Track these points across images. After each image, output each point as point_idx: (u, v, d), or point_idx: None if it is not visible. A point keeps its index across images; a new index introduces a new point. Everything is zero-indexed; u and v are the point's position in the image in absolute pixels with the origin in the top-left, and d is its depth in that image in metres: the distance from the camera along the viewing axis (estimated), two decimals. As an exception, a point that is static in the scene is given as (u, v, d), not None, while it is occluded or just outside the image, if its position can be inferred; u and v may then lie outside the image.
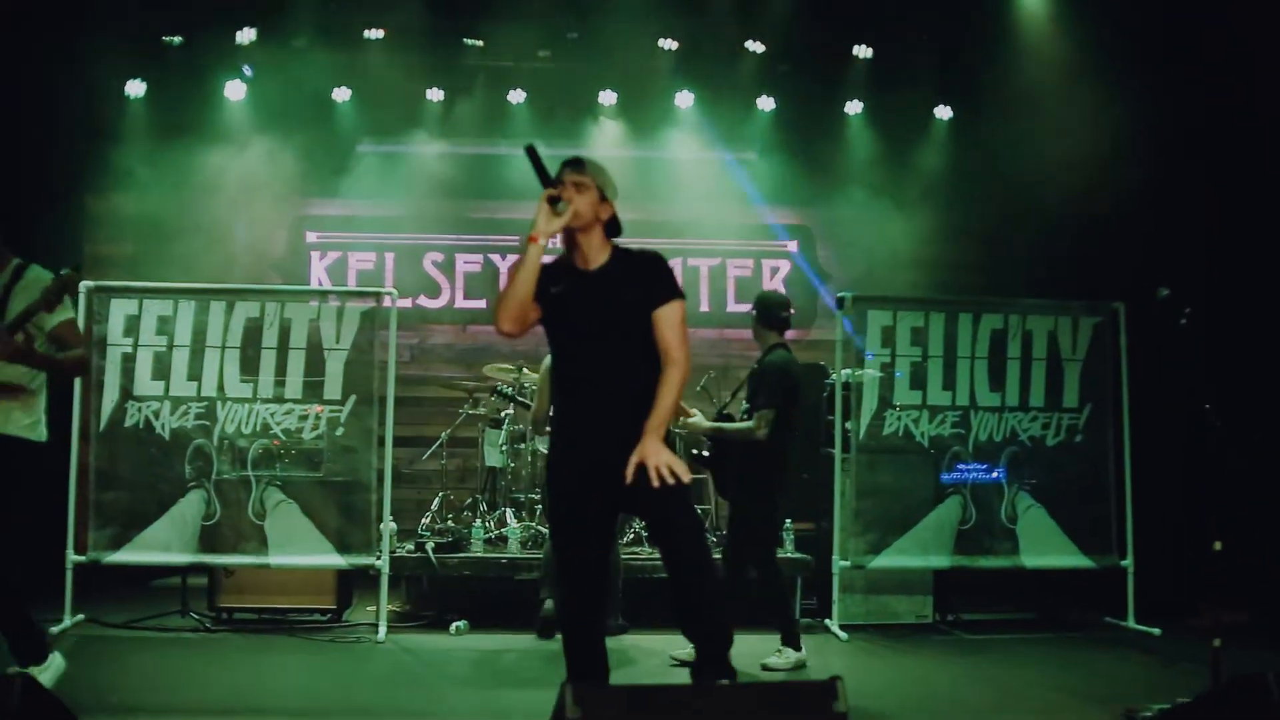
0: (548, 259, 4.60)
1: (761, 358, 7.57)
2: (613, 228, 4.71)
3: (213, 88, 11.38)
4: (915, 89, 11.67)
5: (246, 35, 10.70)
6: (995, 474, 8.94)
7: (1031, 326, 9.00)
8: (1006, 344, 8.97)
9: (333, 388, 8.49)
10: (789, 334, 7.77)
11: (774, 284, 12.30)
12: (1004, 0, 10.42)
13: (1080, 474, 9.04)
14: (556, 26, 11.17)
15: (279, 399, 8.47)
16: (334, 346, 8.50)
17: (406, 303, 11.86)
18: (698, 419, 7.52)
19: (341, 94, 11.67)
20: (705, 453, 7.96)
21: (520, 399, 9.85)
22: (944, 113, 12.03)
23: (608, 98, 11.85)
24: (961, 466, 8.93)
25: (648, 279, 4.63)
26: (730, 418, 7.61)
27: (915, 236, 11.89)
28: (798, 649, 7.34)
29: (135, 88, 11.28)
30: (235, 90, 11.42)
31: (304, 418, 8.48)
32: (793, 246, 12.38)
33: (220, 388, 8.44)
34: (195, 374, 8.45)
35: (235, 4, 10.45)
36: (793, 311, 7.81)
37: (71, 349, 5.72)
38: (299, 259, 12.00)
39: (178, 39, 10.69)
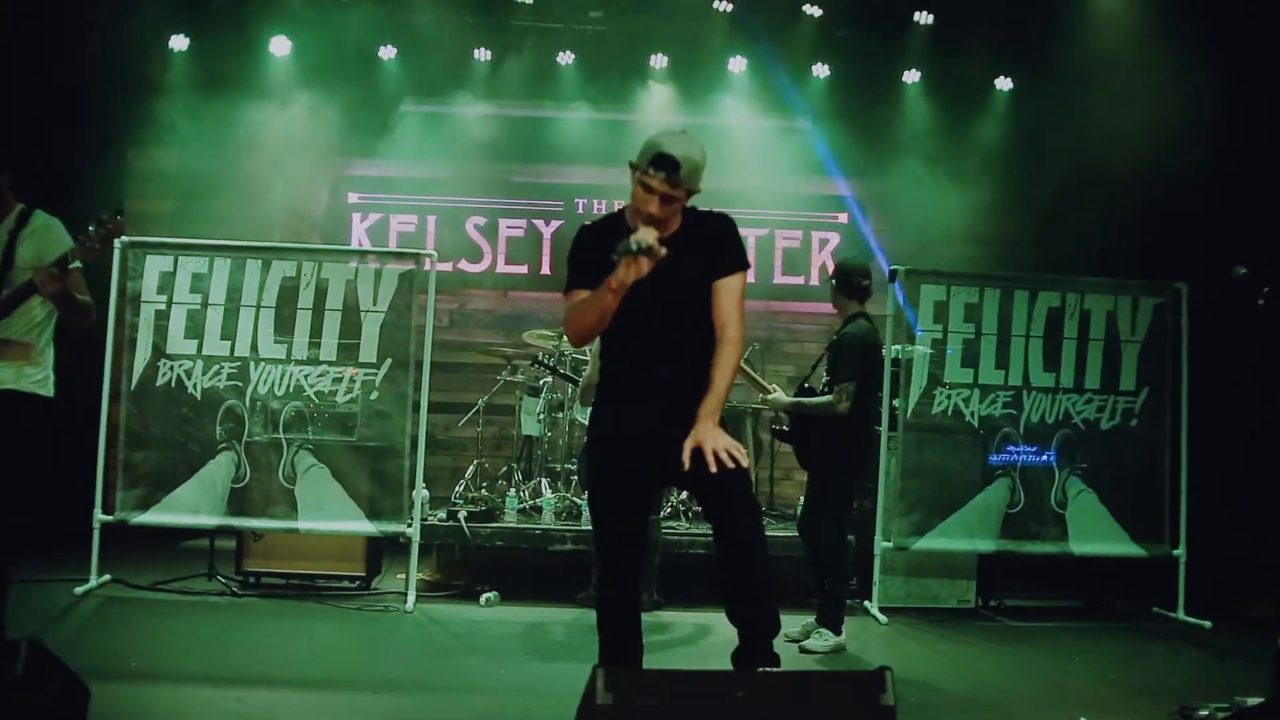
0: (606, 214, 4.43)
1: (840, 328, 7.36)
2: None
3: (257, 42, 11.23)
4: (976, 58, 11.33)
5: (288, -12, 10.45)
6: (1046, 457, 8.66)
7: (1090, 306, 8.69)
8: (1063, 323, 8.66)
9: (368, 350, 8.30)
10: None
11: (823, 256, 12.04)
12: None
13: (1134, 459, 8.74)
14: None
15: (313, 360, 8.30)
16: (371, 309, 8.31)
17: (447, 266, 11.75)
18: (777, 394, 7.38)
19: (387, 52, 11.45)
20: (785, 427, 7.78)
21: (561, 370, 9.63)
22: (1004, 84, 11.70)
23: (659, 61, 11.59)
24: (1011, 448, 8.66)
25: (715, 246, 4.41)
26: (811, 391, 7.43)
27: (971, 210, 11.53)
28: (838, 633, 7.12)
29: (179, 41, 11.15)
30: (280, 46, 11.24)
31: (338, 380, 8.29)
32: (843, 218, 12.09)
33: (254, 348, 8.28)
34: (229, 333, 8.29)
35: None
36: (871, 280, 7.55)
37: (82, 298, 5.53)
38: (339, 220, 11.82)
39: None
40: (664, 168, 4.24)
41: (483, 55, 11.51)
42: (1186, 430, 8.76)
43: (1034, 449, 8.64)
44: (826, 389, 7.24)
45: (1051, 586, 9.28)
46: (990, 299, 8.63)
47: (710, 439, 4.14)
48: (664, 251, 4.11)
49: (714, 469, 4.09)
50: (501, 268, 12.06)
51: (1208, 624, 8.38)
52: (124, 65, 10.67)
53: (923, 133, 11.70)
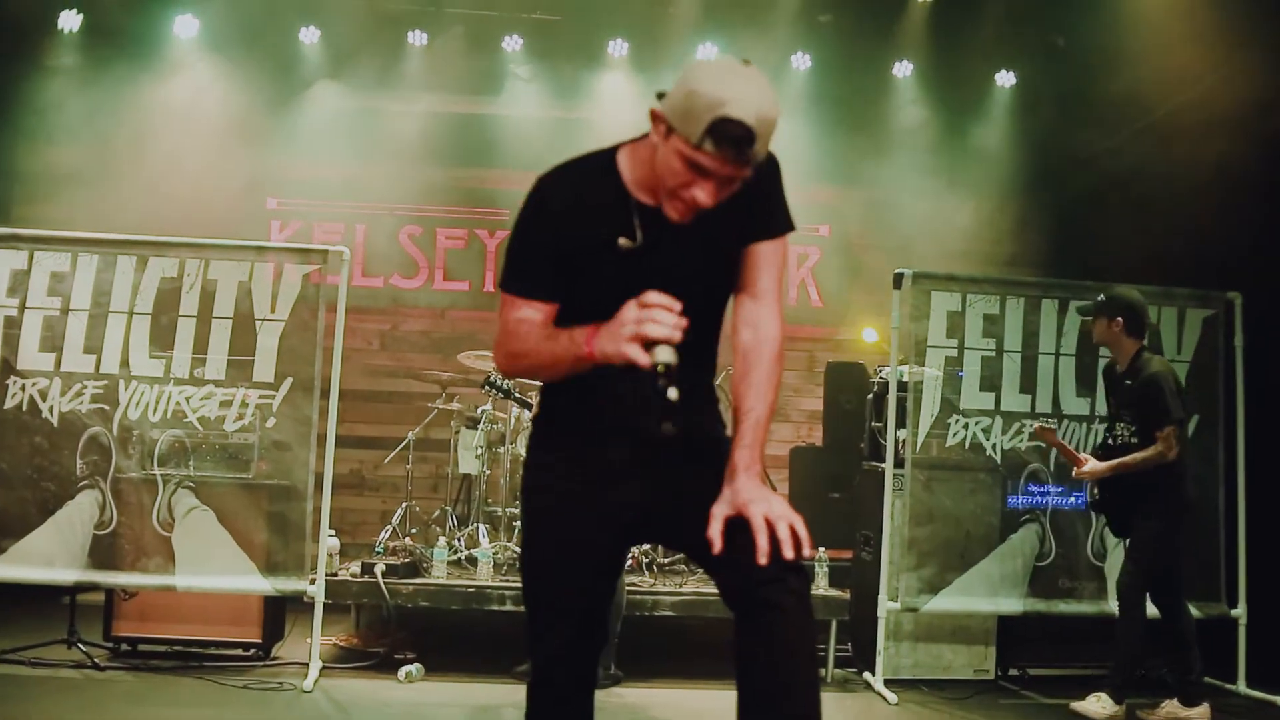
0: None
1: (1130, 366, 6.58)
2: None
3: (159, 21, 9.89)
4: (977, 47, 10.10)
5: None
6: (1080, 499, 7.30)
7: None
8: None
9: (264, 368, 6.89)
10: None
11: (802, 273, 10.73)
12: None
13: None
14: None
15: (197, 380, 6.88)
16: (268, 317, 6.92)
17: (378, 282, 10.53)
18: (1093, 464, 6.57)
19: (308, 34, 10.07)
20: (1095, 494, 6.74)
21: (518, 395, 8.23)
22: (1006, 78, 10.46)
23: (618, 49, 10.25)
24: (1038, 488, 7.32)
25: (749, 196, 2.84)
26: (1115, 449, 6.58)
27: (975, 219, 10.36)
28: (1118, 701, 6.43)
29: (71, 19, 9.78)
30: (185, 26, 9.85)
31: (227, 404, 6.87)
32: (824, 230, 10.80)
33: (124, 364, 6.85)
34: (94, 346, 6.85)
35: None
36: None
37: None
38: (256, 228, 10.32)
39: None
40: (732, 143, 2.64)
41: (417, 40, 10.13)
42: (1244, 466, 7.52)
43: (1066, 489, 7.32)
44: (1135, 439, 6.46)
45: (1084, 651, 7.82)
46: (1013, 309, 7.36)
47: (758, 506, 2.64)
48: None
49: (764, 559, 2.59)
50: (439, 284, 10.69)
51: (1278, 699, 7.08)
52: (5, 45, 9.33)
53: (917, 132, 10.44)
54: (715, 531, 2.65)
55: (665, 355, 2.60)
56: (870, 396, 7.98)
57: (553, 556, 3.04)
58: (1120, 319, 6.52)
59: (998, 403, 7.29)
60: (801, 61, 10.30)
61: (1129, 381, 6.53)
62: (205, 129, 10.01)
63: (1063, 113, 10.00)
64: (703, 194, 2.72)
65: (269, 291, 6.92)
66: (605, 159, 2.93)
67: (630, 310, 2.65)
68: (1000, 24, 9.88)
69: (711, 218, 2.87)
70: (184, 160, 9.91)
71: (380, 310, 10.50)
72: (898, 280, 7.27)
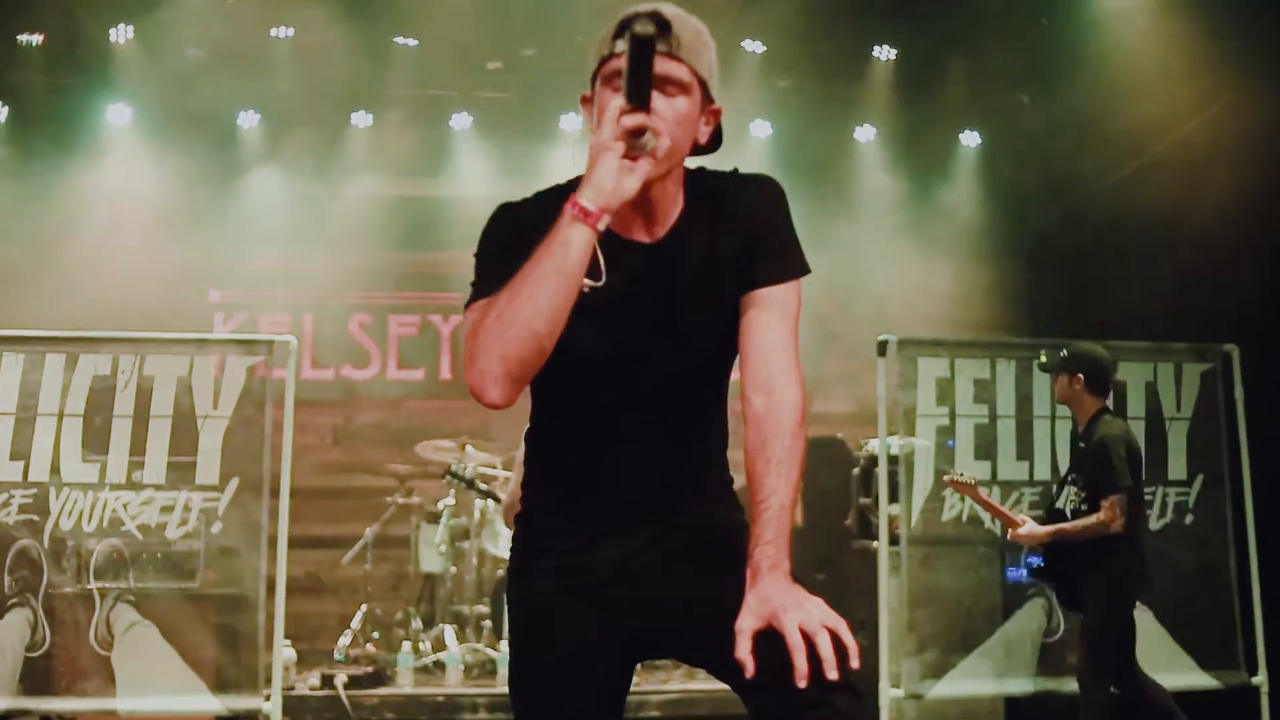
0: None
1: (1086, 428, 6.16)
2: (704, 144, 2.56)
3: (91, 110, 9.43)
4: (940, 109, 9.82)
5: (123, 34, 8.57)
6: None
7: (1124, 375, 7.10)
8: None
9: (208, 469, 6.39)
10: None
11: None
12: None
13: (1194, 566, 7.10)
14: (510, 36, 9.18)
15: (135, 484, 6.37)
16: (210, 414, 6.44)
17: (329, 374, 10.02)
18: (1031, 527, 6.17)
19: (247, 119, 9.64)
20: (1038, 561, 6.33)
21: (479, 484, 7.77)
22: (971, 138, 10.21)
23: (570, 122, 9.89)
24: (1035, 559, 6.89)
25: (749, 233, 2.49)
26: (1061, 514, 6.15)
27: (953, 281, 10.02)
28: None
29: (-8, 109, 9.35)
30: (118, 114, 9.41)
31: (168, 509, 6.36)
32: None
33: (55, 470, 6.32)
34: (21, 451, 6.32)
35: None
36: None
37: None
38: (198, 322, 9.83)
39: (36, 38, 8.58)
40: (642, 24, 2.30)
41: (361, 121, 9.74)
42: (1254, 526, 7.12)
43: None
44: (1084, 504, 6.01)
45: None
46: (1005, 372, 7.01)
47: (790, 616, 2.17)
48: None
49: (803, 681, 2.11)
50: (393, 373, 10.20)
51: (1308, 772, 6.63)
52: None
53: (884, 196, 10.15)
54: (744, 651, 2.17)
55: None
56: (856, 471, 7.61)
57: (544, 679, 2.55)
58: (1081, 375, 6.14)
59: (994, 472, 6.90)
60: (761, 129, 9.98)
61: (1082, 444, 6.16)
62: (141, 220, 9.57)
63: (1033, 170, 9.76)
64: (659, 113, 2.36)
65: (210, 387, 6.46)
66: (572, 184, 2.44)
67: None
68: (963, 83, 9.61)
69: (690, 247, 2.47)
70: (119, 254, 9.47)
71: (332, 403, 10.01)
72: (882, 347, 6.89)
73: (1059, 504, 6.21)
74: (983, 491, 6.40)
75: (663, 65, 2.36)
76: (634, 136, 2.29)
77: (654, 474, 2.52)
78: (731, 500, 2.64)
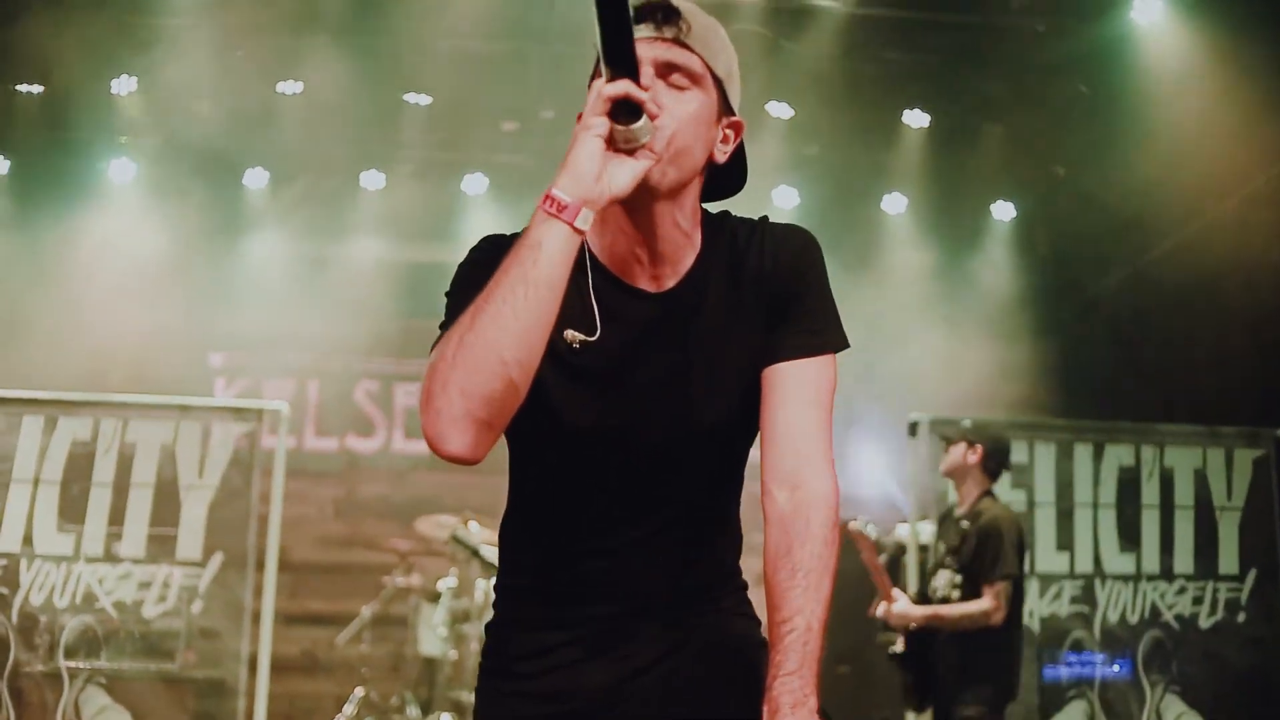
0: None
1: (971, 507, 5.67)
2: (724, 179, 2.20)
3: (92, 166, 9.16)
4: (971, 178, 9.49)
5: (125, 86, 8.29)
6: (1130, 669, 6.50)
7: (1172, 462, 6.79)
8: (1140, 486, 6.75)
9: (190, 543, 6.06)
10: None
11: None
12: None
13: (1246, 666, 6.77)
14: (527, 96, 8.88)
15: (112, 557, 6.03)
16: (195, 484, 6.11)
17: (332, 443, 9.65)
18: (904, 604, 5.65)
19: (255, 177, 9.35)
20: (899, 649, 5.76)
21: (486, 554, 7.38)
22: (1004, 210, 9.85)
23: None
24: (1079, 656, 6.51)
25: (782, 293, 2.10)
26: (927, 599, 5.70)
27: (985, 359, 9.57)
28: None
29: (-6, 164, 9.10)
30: (121, 170, 9.13)
31: (146, 585, 6.02)
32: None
33: (27, 540, 6.00)
34: (-8, 520, 5.99)
35: (106, 49, 8.04)
36: None
37: None
38: (198, 386, 9.50)
39: (36, 88, 8.31)
40: (653, 14, 2.04)
41: (370, 182, 9.43)
42: (1312, 626, 6.69)
43: (1114, 658, 6.52)
44: (961, 591, 5.51)
45: None
46: (1043, 456, 6.68)
47: None
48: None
49: None
50: (399, 444, 9.89)
51: None
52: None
53: (913, 268, 9.81)
54: None
55: None
56: (883, 559, 7.17)
57: None
58: (980, 448, 5.71)
59: (1032, 564, 6.50)
60: (786, 196, 9.66)
61: (965, 523, 5.67)
62: (140, 278, 9.21)
63: (1069, 244, 9.44)
64: (660, 103, 1.97)
65: (196, 455, 6.10)
66: (584, 253, 2.09)
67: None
68: (997, 153, 9.29)
69: (719, 313, 2.07)
70: (116, 312, 9.10)
71: (335, 474, 9.67)
72: (913, 428, 6.56)
73: (930, 592, 5.75)
74: (881, 558, 6.04)
75: (668, 51, 2.01)
76: (624, 118, 1.87)
77: (655, 578, 2.10)
78: (748, 610, 2.22)
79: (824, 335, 2.10)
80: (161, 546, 6.03)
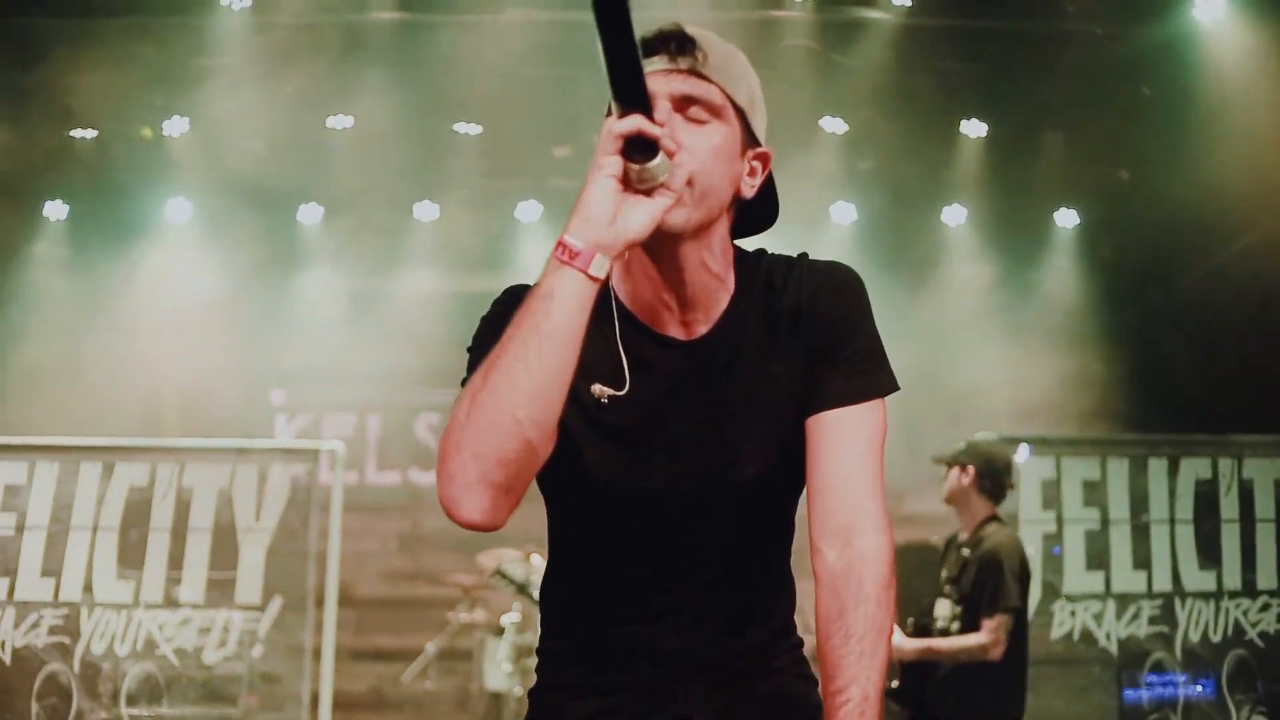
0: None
1: (972, 534, 5.36)
2: (754, 214, 2.08)
3: (150, 206, 9.18)
4: (1033, 186, 9.27)
5: (177, 127, 8.31)
6: (1211, 689, 6.25)
7: (1251, 474, 6.54)
8: (1219, 500, 6.48)
9: (249, 586, 6.04)
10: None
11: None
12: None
13: None
14: (579, 120, 8.79)
15: (171, 603, 6.02)
16: (252, 527, 6.06)
17: (395, 476, 9.64)
18: (897, 637, 5.17)
19: (309, 212, 9.34)
20: (894, 683, 5.48)
21: (533, 592, 7.27)
22: (1068, 217, 9.63)
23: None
24: (1161, 678, 6.28)
25: (825, 336, 1.97)
26: (926, 629, 5.35)
27: (1054, 371, 9.37)
28: None
29: (56, 209, 9.11)
30: (178, 209, 9.15)
31: (206, 631, 5.99)
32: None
33: (88, 588, 5.99)
34: (53, 568, 6.00)
35: (156, 90, 8.06)
36: None
37: None
38: (260, 424, 9.50)
39: (90, 133, 8.35)
40: (661, 42, 1.92)
41: (424, 213, 9.39)
42: (1405, 641, 6.40)
43: (1198, 679, 6.27)
44: (960, 623, 5.19)
45: None
46: (1116, 473, 6.44)
47: None
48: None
49: None
50: (462, 476, 9.72)
51: None
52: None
53: (975, 280, 9.59)
54: None
55: None
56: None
57: None
58: (972, 469, 5.40)
59: (1108, 583, 6.29)
60: (844, 212, 9.49)
61: (966, 551, 5.38)
62: (200, 319, 9.25)
63: (1136, 250, 9.19)
64: (679, 140, 1.83)
65: (253, 498, 6.06)
66: (608, 296, 1.99)
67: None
68: (1058, 160, 9.08)
69: (757, 361, 1.95)
70: (177, 355, 9.14)
71: (398, 507, 9.60)
72: (977, 446, 6.31)
73: (929, 622, 5.46)
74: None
75: (685, 83, 1.89)
76: (639, 156, 1.74)
77: (700, 640, 1.99)
78: (804, 670, 2.09)
79: (871, 378, 1.98)
80: (221, 591, 6.01)
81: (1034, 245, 9.72)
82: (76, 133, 8.35)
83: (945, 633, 5.24)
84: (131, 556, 6.01)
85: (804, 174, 8.89)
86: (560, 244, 1.75)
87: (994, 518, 5.38)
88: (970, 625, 5.16)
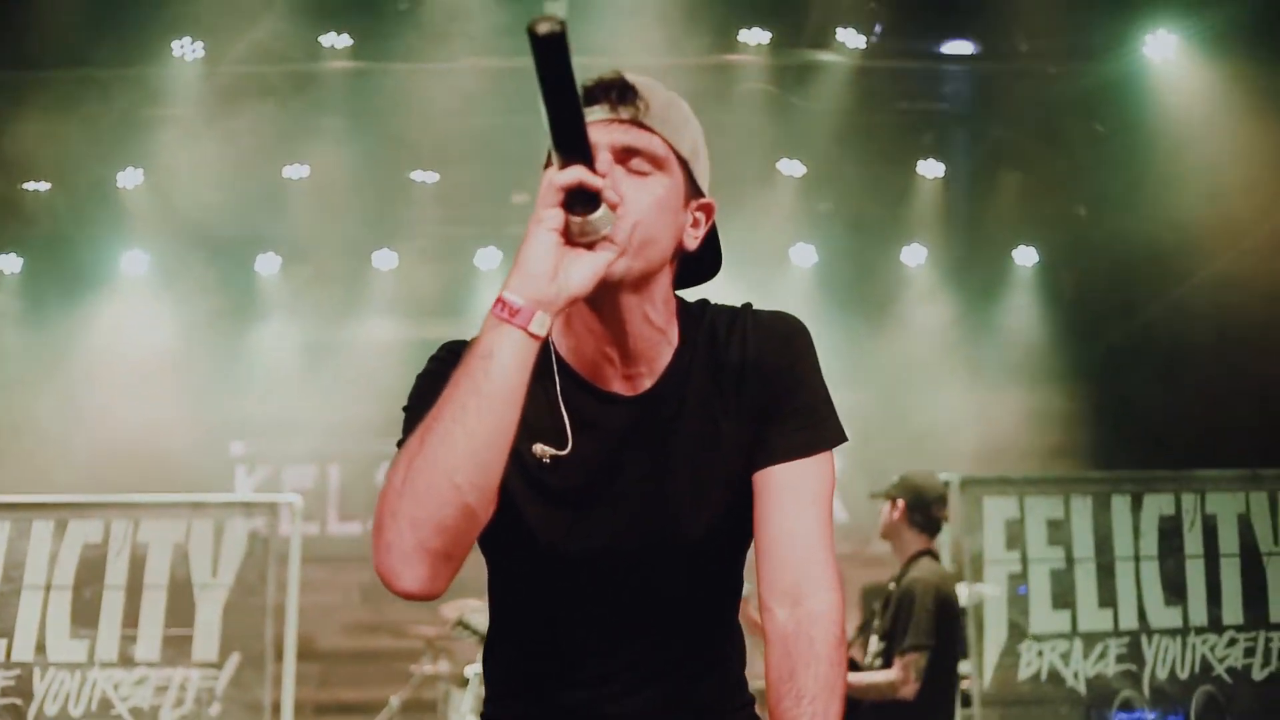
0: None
1: (899, 573, 5.41)
2: (698, 264, 2.04)
3: (106, 259, 9.12)
4: (990, 225, 9.32)
5: (132, 179, 8.25)
6: (1179, 722, 6.21)
7: (1214, 509, 6.42)
8: (1182, 536, 6.37)
9: (206, 644, 5.84)
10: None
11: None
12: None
13: None
14: (535, 166, 8.75)
15: (127, 662, 5.82)
16: (209, 582, 5.91)
17: (356, 527, 9.52)
18: None
19: (266, 263, 9.26)
20: None
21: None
22: (1026, 255, 9.67)
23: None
24: (1125, 717, 6.23)
25: (771, 389, 1.94)
26: (855, 664, 5.24)
27: (1016, 410, 9.36)
28: None
29: (9, 262, 9.04)
30: (134, 261, 9.07)
31: (163, 689, 5.81)
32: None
33: (41, 647, 5.79)
34: (4, 628, 5.79)
35: (110, 142, 7.98)
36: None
37: None
38: (219, 477, 9.41)
39: (44, 185, 8.27)
40: (601, 91, 1.89)
41: (382, 262, 9.34)
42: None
43: (1166, 715, 6.22)
44: (882, 660, 5.19)
45: None
46: (1080, 511, 6.33)
47: None
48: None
49: None
50: (424, 525, 9.64)
51: None
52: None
53: (936, 320, 9.60)
54: None
55: None
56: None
57: None
58: (902, 502, 5.43)
59: (1074, 622, 6.21)
60: (805, 255, 9.50)
61: (892, 586, 5.41)
62: (157, 371, 9.16)
63: (1096, 285, 9.25)
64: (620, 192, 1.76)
65: (209, 553, 5.94)
66: (548, 355, 1.95)
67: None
68: (1015, 198, 9.13)
69: (702, 416, 1.91)
70: (134, 408, 9.00)
71: (360, 558, 9.44)
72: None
73: (855, 659, 5.43)
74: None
75: (627, 134, 1.84)
76: (580, 208, 1.69)
77: (653, 703, 1.93)
78: None
79: (818, 432, 1.94)
80: (178, 649, 5.83)
81: (994, 283, 9.77)
82: (29, 185, 8.27)
83: (869, 669, 5.22)
84: (85, 615, 5.84)
85: (763, 216, 8.91)
86: (499, 301, 1.69)
87: (926, 552, 5.38)
88: (889, 663, 5.15)
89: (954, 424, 9.31)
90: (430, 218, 9.12)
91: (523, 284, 1.68)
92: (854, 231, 9.38)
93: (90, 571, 5.89)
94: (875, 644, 5.31)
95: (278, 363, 9.52)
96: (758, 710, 2.07)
